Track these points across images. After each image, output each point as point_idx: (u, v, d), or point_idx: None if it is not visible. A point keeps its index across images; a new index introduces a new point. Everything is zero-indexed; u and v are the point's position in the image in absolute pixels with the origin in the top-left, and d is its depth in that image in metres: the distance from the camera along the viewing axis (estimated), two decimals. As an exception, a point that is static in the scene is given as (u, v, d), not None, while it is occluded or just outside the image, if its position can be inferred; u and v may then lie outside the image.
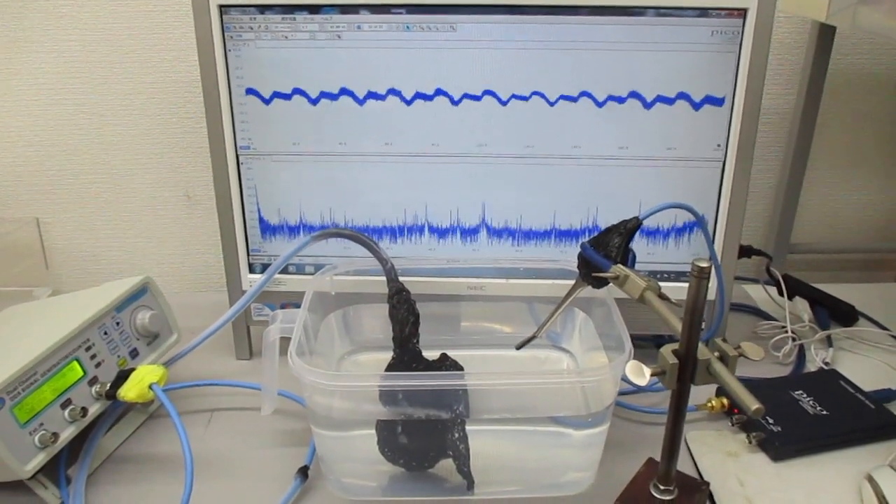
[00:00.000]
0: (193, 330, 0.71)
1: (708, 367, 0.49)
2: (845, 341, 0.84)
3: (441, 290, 0.74)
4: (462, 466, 0.59)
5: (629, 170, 0.72)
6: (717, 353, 0.49)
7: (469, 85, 0.70)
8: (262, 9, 0.68)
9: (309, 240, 0.69)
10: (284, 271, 0.75)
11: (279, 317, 0.63)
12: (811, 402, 0.69)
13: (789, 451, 0.65)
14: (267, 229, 0.77)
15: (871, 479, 0.60)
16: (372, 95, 0.71)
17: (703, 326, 0.52)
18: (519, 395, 0.59)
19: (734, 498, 0.60)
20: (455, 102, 0.71)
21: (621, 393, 0.72)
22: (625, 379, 0.50)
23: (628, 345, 0.57)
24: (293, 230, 0.76)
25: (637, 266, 0.61)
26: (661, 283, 0.56)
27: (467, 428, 0.59)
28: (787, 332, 0.83)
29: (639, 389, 0.73)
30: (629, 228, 0.60)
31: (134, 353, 0.68)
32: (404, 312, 0.63)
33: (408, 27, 0.68)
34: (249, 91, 0.71)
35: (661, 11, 0.67)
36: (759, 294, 0.93)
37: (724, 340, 0.50)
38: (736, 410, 0.69)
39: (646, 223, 0.62)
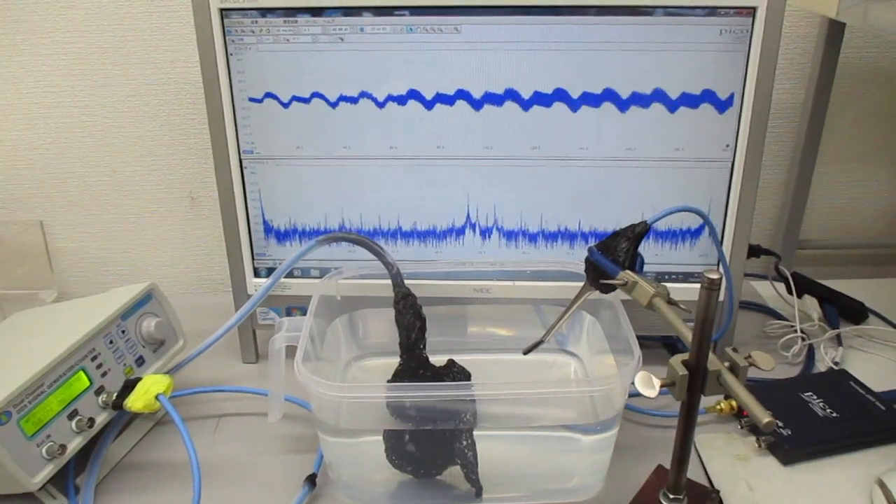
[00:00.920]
0: (199, 333, 0.71)
1: (718, 377, 0.48)
2: (855, 339, 0.83)
3: (447, 293, 0.74)
4: (470, 474, 0.59)
5: (637, 171, 0.71)
6: (727, 364, 0.49)
7: (473, 87, 0.69)
8: (264, 12, 0.67)
9: (314, 244, 0.69)
10: (290, 275, 0.75)
11: (285, 324, 0.63)
12: (821, 404, 0.69)
13: (799, 455, 0.64)
14: (271, 233, 0.76)
15: (881, 484, 0.59)
16: (375, 98, 0.70)
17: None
18: (527, 403, 0.59)
19: (744, 504, 0.60)
20: (459, 104, 0.70)
21: (630, 395, 0.72)
22: (634, 394, 0.50)
23: (637, 351, 0.57)
24: (298, 234, 0.76)
25: (645, 267, 0.61)
26: (669, 285, 0.55)
27: (475, 433, 0.58)
28: (796, 331, 0.82)
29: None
30: (637, 233, 0.59)
31: (140, 361, 0.67)
32: (410, 318, 0.62)
33: (411, 29, 0.67)
34: (252, 95, 0.71)
35: (668, 11, 0.66)
36: (768, 291, 0.92)
37: (735, 350, 0.49)
38: (745, 413, 0.69)
39: (653, 225, 0.62)
